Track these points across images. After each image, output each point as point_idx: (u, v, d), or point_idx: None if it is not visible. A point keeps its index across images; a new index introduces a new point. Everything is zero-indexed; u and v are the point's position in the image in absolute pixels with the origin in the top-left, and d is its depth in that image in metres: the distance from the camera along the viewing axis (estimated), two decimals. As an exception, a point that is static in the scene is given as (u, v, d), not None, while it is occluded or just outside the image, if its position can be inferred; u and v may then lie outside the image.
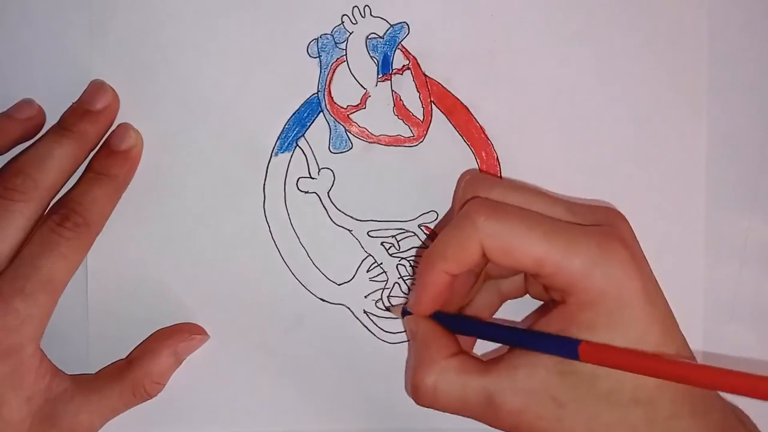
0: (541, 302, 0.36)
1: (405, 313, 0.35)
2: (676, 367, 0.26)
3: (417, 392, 0.31)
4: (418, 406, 0.34)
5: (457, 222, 0.31)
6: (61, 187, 0.35)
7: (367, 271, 0.38)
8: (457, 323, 0.33)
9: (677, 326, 0.31)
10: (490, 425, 0.30)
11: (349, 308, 0.38)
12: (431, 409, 0.31)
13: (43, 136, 0.36)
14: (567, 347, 0.28)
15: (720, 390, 0.26)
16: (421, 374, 0.31)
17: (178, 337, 0.36)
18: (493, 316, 0.36)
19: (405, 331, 0.37)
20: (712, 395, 0.31)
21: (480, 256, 0.30)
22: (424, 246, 0.38)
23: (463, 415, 0.31)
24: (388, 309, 0.38)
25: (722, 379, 0.25)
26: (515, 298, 0.36)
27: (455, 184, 0.37)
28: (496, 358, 0.31)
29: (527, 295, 0.35)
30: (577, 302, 0.29)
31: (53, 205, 0.35)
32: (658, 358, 0.27)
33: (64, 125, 0.35)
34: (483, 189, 0.32)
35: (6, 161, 0.35)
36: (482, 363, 0.31)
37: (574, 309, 0.29)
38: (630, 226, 0.32)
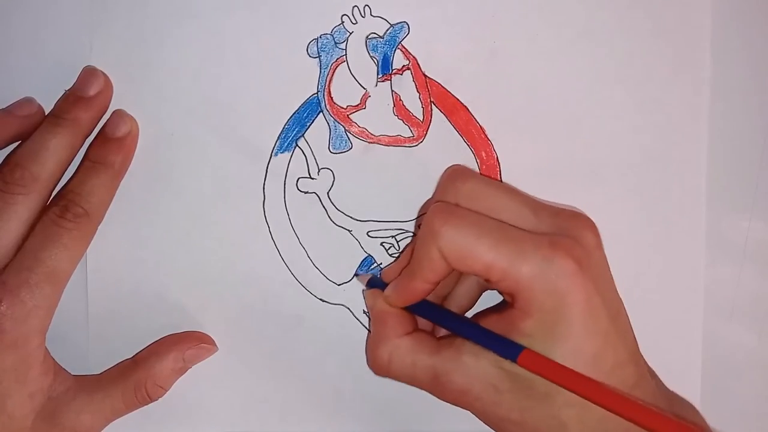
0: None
1: (370, 284, 0.36)
2: (600, 392, 0.28)
3: (374, 364, 0.34)
4: (418, 408, 0.34)
5: (421, 230, 0.32)
6: (61, 176, 0.35)
7: (367, 271, 0.38)
8: (418, 307, 0.34)
9: (625, 337, 0.32)
10: (437, 397, 0.33)
11: (348, 308, 0.38)
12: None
13: (38, 127, 0.35)
14: (509, 350, 0.30)
15: (637, 424, 0.27)
16: (376, 348, 0.33)
17: (187, 343, 0.37)
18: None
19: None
20: (655, 400, 0.32)
21: (444, 261, 0.31)
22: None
23: (414, 386, 0.33)
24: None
25: (638, 414, 0.27)
26: (493, 289, 0.36)
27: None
28: (448, 339, 0.33)
29: None
30: (521, 309, 0.30)
31: (54, 196, 0.35)
32: (586, 381, 0.28)
33: (57, 114, 0.36)
34: (460, 181, 0.33)
35: (3, 157, 0.35)
36: (434, 342, 0.33)
37: (518, 315, 0.30)
38: (595, 234, 0.32)
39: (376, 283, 0.35)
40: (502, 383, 0.31)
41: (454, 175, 0.34)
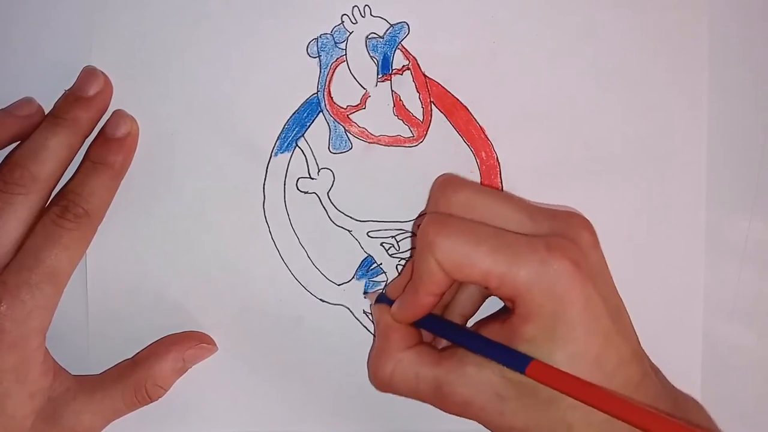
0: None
1: (379, 299, 0.36)
2: (607, 400, 0.28)
3: (375, 379, 0.34)
4: (418, 408, 0.34)
5: (417, 244, 0.32)
6: (61, 175, 0.35)
7: (367, 272, 0.38)
8: (423, 320, 0.34)
9: (627, 335, 0.32)
10: (440, 409, 0.33)
11: (348, 308, 0.38)
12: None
13: (37, 127, 0.35)
14: (517, 362, 0.30)
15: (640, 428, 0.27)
16: (378, 363, 0.33)
17: (186, 343, 0.37)
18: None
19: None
20: (658, 398, 0.32)
21: (443, 272, 0.31)
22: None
23: (418, 400, 0.33)
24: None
25: (646, 419, 0.27)
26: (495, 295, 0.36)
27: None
28: (450, 350, 0.33)
29: None
30: (520, 314, 0.30)
31: (54, 196, 0.35)
32: (594, 389, 0.28)
33: (56, 113, 0.36)
34: (450, 191, 0.33)
35: (3, 157, 0.35)
36: (436, 354, 0.33)
37: (518, 321, 0.30)
38: (591, 233, 0.32)
39: (383, 300, 0.35)
40: (506, 391, 0.31)
41: (445, 184, 0.34)
